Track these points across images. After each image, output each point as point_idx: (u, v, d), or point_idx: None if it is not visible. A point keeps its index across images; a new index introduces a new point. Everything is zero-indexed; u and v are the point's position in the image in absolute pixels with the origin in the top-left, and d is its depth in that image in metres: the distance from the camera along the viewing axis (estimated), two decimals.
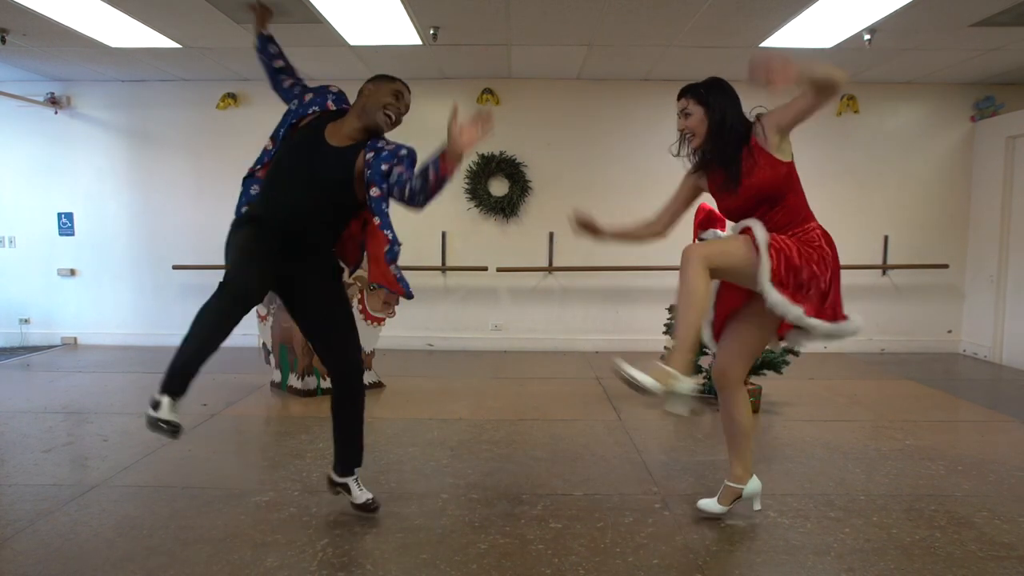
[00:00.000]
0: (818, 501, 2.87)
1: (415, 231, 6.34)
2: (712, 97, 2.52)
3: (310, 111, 2.68)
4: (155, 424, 2.15)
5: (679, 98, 2.59)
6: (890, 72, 5.86)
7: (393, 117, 2.61)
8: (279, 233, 2.43)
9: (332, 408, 2.71)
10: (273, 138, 2.68)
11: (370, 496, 2.73)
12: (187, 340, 2.21)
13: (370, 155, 2.53)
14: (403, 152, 2.57)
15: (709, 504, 2.74)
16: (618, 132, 6.26)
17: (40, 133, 6.40)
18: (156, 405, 2.15)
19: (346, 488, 2.74)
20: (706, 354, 4.57)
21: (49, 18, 4.51)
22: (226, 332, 2.25)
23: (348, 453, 2.73)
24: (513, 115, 6.24)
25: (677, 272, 2.37)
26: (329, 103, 2.72)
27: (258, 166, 2.69)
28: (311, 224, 2.53)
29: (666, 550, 2.44)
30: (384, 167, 2.51)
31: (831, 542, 2.50)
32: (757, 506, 2.78)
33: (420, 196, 2.47)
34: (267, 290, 2.51)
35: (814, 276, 2.39)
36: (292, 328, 4.52)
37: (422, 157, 2.53)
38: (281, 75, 2.89)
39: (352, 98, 2.69)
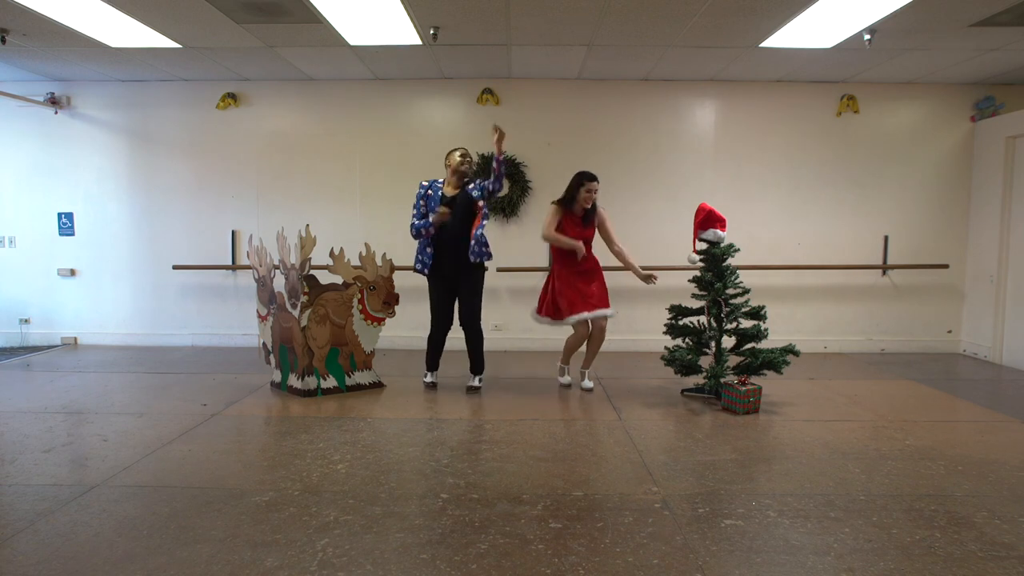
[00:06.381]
0: (818, 501, 2.87)
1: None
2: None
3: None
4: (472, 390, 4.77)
5: (595, 181, 4.60)
6: (890, 72, 5.86)
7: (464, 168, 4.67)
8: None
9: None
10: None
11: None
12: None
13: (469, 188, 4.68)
14: (478, 180, 4.71)
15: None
16: (618, 132, 6.26)
17: (40, 133, 6.40)
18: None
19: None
20: (706, 354, 4.59)
21: (49, 18, 4.51)
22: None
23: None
24: (513, 115, 6.25)
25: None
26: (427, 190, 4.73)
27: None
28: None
29: (666, 550, 2.44)
30: (476, 193, 4.64)
31: (831, 542, 2.50)
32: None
33: (496, 184, 4.52)
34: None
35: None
36: (292, 328, 4.53)
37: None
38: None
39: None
